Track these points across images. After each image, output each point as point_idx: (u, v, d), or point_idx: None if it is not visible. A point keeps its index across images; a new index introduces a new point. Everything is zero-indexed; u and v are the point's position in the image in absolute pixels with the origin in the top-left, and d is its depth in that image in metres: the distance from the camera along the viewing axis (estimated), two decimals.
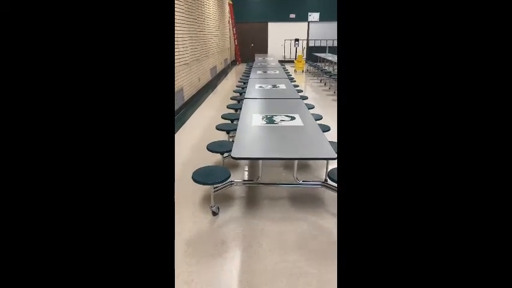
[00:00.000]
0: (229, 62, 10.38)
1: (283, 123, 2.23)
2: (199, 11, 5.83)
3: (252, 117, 2.39)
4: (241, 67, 10.28)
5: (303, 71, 9.13)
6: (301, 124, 2.20)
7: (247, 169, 2.72)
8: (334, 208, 2.12)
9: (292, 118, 2.36)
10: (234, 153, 1.69)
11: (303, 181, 2.11)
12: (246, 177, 2.56)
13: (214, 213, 2.03)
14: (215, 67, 7.52)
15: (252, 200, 2.24)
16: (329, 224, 1.97)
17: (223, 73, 8.91)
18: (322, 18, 11.03)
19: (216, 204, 2.07)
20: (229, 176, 1.90)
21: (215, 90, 6.64)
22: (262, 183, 2.28)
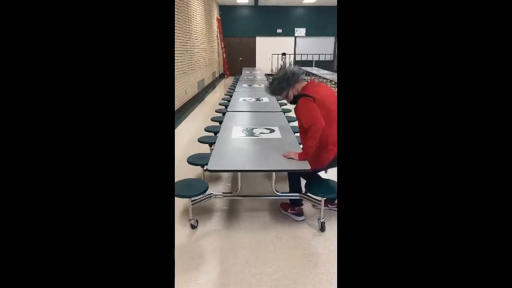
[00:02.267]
0: (217, 75, 10.50)
1: (262, 136, 2.27)
2: (186, 26, 5.94)
3: (232, 130, 2.42)
4: (229, 80, 10.39)
5: None
6: (280, 136, 2.25)
7: (230, 182, 2.73)
8: (312, 219, 2.14)
9: (272, 131, 2.40)
10: (210, 166, 1.71)
11: (282, 193, 2.13)
12: (228, 190, 2.57)
13: (193, 226, 2.02)
14: (202, 80, 7.59)
15: (232, 212, 2.24)
16: (306, 234, 1.99)
17: (211, 86, 8.99)
18: (308, 34, 11.36)
19: (194, 217, 2.06)
20: (207, 189, 1.91)
21: (202, 102, 6.68)
22: (241, 196, 2.29)
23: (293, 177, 2.09)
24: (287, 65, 2.51)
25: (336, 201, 2.18)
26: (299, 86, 1.96)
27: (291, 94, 1.97)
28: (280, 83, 1.94)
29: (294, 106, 1.99)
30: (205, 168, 2.54)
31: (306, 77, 9.37)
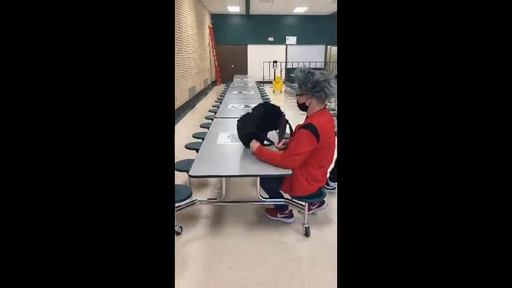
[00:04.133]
0: (209, 82, 10.54)
1: None
2: (177, 34, 5.98)
3: (218, 136, 2.44)
4: (221, 87, 10.45)
5: (281, 91, 9.39)
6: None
7: (218, 188, 2.73)
8: (297, 224, 2.15)
9: None
10: (192, 172, 1.71)
11: (266, 198, 2.15)
12: (215, 196, 2.57)
13: (177, 233, 2.01)
14: (193, 87, 7.61)
15: (218, 218, 2.24)
16: (290, 239, 2.00)
17: (203, 93, 9.02)
18: (299, 42, 11.53)
19: (179, 224, 2.06)
20: (191, 195, 1.91)
21: (194, 109, 6.69)
22: (226, 202, 2.30)
23: (267, 186, 2.10)
24: (330, 75, 1.81)
25: (314, 202, 2.19)
26: (315, 104, 1.84)
27: (303, 99, 1.87)
28: (304, 83, 1.79)
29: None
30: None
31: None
